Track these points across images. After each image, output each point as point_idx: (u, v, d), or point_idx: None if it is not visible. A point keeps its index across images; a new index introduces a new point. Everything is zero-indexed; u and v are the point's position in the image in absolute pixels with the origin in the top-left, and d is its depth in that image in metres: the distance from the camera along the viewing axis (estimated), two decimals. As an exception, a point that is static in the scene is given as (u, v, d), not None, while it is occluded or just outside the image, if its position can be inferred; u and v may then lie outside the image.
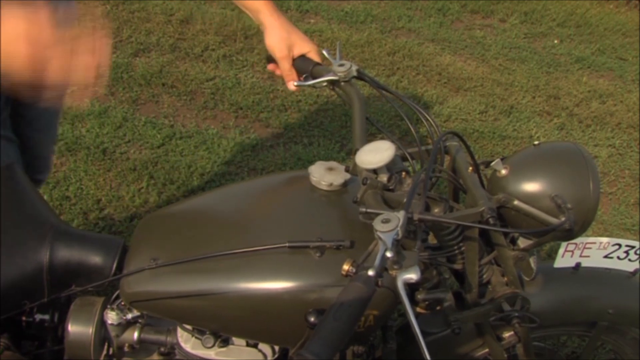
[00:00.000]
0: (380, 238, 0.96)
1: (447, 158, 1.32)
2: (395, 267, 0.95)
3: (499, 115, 3.83)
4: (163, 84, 3.60)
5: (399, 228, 0.96)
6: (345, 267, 0.98)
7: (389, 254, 0.93)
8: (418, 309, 1.30)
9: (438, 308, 1.30)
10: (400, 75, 4.07)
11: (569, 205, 1.15)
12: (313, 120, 3.48)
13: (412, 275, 0.93)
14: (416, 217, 1.03)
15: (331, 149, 3.28)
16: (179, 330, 1.32)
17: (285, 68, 1.50)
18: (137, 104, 3.43)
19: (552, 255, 2.69)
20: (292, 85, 1.49)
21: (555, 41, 4.90)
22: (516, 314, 1.26)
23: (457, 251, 1.26)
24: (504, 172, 1.23)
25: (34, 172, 1.91)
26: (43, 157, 1.93)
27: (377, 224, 0.98)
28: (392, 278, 0.96)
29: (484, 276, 1.31)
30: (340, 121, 3.50)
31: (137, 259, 1.23)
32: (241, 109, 3.49)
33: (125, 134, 3.14)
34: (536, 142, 1.26)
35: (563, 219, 1.14)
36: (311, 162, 1.35)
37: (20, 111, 1.68)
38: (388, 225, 0.97)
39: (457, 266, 1.28)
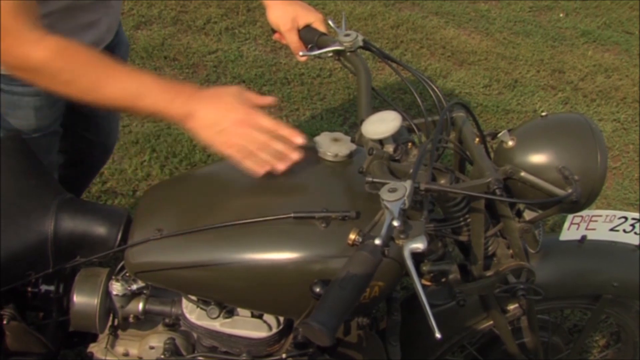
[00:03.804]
0: (386, 207, 0.96)
1: (452, 130, 1.31)
2: (402, 236, 0.94)
3: (503, 89, 3.80)
4: (165, 57, 3.57)
5: (405, 197, 0.96)
6: (352, 236, 0.97)
7: (395, 223, 0.93)
8: (423, 281, 1.30)
9: (443, 280, 1.30)
10: (403, 49, 4.04)
11: (576, 177, 1.14)
12: (316, 93, 3.46)
13: (419, 245, 0.93)
14: (423, 186, 1.03)
15: (334, 122, 3.27)
16: (184, 301, 1.32)
17: (291, 40, 1.49)
18: (138, 76, 3.40)
19: (555, 229, 2.69)
20: (299, 55, 1.47)
21: (561, 15, 4.85)
22: (521, 286, 1.26)
23: (462, 223, 1.26)
24: (510, 143, 1.22)
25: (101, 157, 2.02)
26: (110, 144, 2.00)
27: (384, 193, 0.97)
28: (399, 248, 0.95)
29: (489, 248, 1.31)
30: (344, 94, 3.48)
31: (142, 230, 1.23)
32: (244, 82, 3.47)
33: (127, 107, 3.12)
34: (543, 113, 1.25)
35: (570, 190, 1.13)
36: (314, 136, 1.34)
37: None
38: (395, 195, 0.96)
39: (463, 238, 1.28)
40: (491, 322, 1.50)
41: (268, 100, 1.28)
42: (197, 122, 1.20)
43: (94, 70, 1.20)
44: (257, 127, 1.20)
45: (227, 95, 1.23)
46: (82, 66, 1.20)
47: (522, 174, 1.19)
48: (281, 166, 1.21)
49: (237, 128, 1.19)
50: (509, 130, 1.24)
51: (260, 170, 1.21)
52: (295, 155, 1.21)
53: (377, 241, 0.92)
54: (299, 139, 1.21)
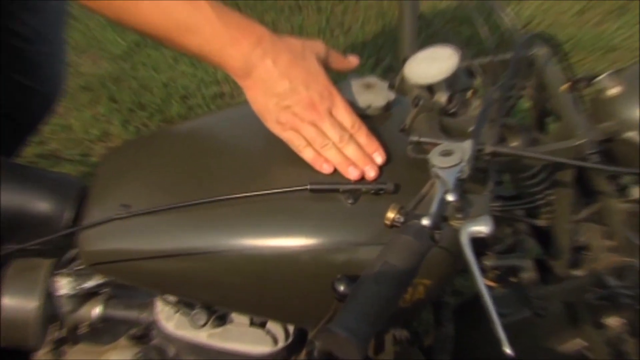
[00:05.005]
0: (438, 176, 0.97)
1: (530, 73, 1.32)
2: (459, 215, 0.96)
3: (604, 17, 3.78)
4: None
5: (464, 163, 0.97)
6: (390, 215, 0.98)
7: (450, 198, 0.95)
8: (486, 281, 1.32)
9: (513, 280, 1.32)
10: (462, -39, 4.03)
11: None
12: (338, 24, 3.46)
13: (482, 228, 0.94)
14: (488, 149, 1.04)
15: (363, 64, 3.27)
16: (159, 304, 1.35)
17: None
18: (91, -3, 3.41)
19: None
20: None
21: None
22: (625, 291, 1.28)
23: (541, 202, 1.27)
24: (614, 91, 1.22)
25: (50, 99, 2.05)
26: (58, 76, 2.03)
27: (435, 158, 0.99)
28: (453, 232, 0.97)
29: (580, 238, 1.32)
30: (376, 25, 3.47)
31: (102, 206, 1.25)
32: (238, 7, 3.47)
33: (75, 38, 3.14)
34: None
35: (698, 158, 1.14)
36: (336, 82, 1.32)
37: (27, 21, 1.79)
38: (449, 160, 0.98)
39: (542, 223, 1.29)
40: (580, 341, 1.52)
41: (353, 63, 1.32)
42: (256, 84, 1.20)
43: None
44: (330, 118, 1.21)
45: (308, 58, 1.23)
46: None
47: (630, 134, 1.20)
48: (351, 175, 1.20)
49: (305, 111, 1.20)
50: (612, 73, 1.24)
51: (318, 167, 1.22)
52: (372, 174, 1.20)
53: (425, 221, 0.93)
54: (379, 157, 1.21)
